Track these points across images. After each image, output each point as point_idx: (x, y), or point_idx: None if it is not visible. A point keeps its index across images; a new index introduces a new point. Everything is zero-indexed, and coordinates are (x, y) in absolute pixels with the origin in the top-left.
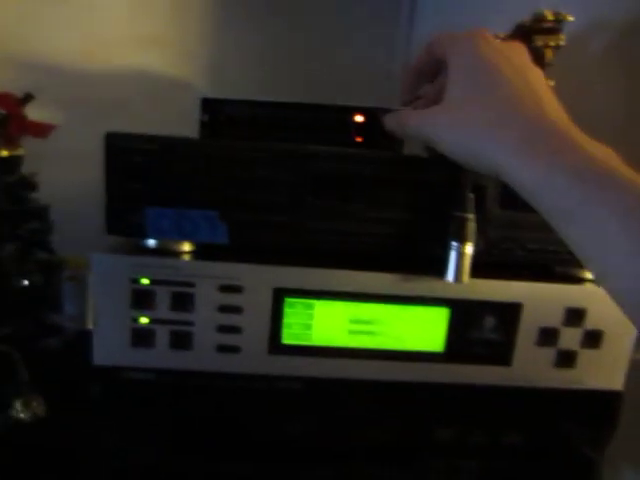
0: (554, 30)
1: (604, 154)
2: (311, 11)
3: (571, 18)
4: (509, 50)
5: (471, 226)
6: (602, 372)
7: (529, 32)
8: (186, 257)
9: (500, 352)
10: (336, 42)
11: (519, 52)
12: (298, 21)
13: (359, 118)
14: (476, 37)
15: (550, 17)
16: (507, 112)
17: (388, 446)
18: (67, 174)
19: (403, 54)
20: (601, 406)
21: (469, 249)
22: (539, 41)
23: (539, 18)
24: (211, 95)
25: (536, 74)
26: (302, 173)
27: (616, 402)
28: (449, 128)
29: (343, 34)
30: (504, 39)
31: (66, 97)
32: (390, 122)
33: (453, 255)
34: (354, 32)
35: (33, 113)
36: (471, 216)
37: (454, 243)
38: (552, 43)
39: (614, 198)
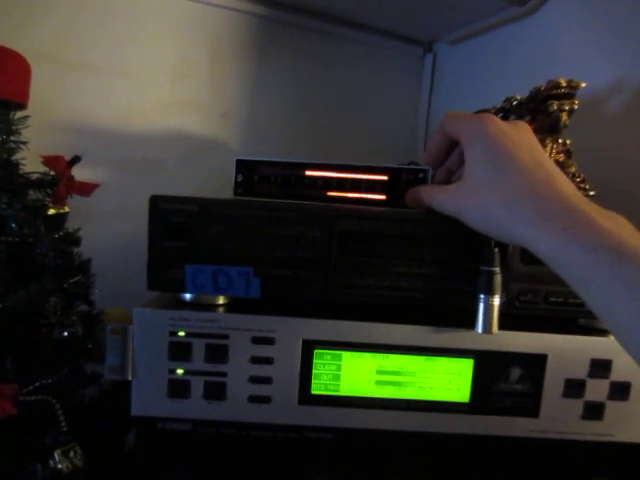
0: (568, 95)
1: (615, 224)
2: (341, 78)
3: (584, 84)
4: (516, 132)
5: (498, 279)
6: (632, 424)
7: (545, 98)
8: (220, 310)
9: (526, 403)
10: (364, 106)
11: (525, 132)
12: (328, 86)
13: (383, 177)
14: (485, 122)
15: (564, 84)
16: (522, 190)
17: None
18: (104, 228)
19: (424, 119)
20: (633, 460)
21: (497, 301)
22: (554, 105)
23: (554, 85)
24: (246, 153)
25: (542, 152)
26: (330, 231)
27: None
28: (470, 207)
29: (371, 100)
30: (519, 106)
31: (109, 157)
32: (417, 196)
33: (482, 307)
34: (381, 99)
35: (77, 172)
36: (498, 270)
37: (482, 296)
38: (567, 107)
39: (622, 270)
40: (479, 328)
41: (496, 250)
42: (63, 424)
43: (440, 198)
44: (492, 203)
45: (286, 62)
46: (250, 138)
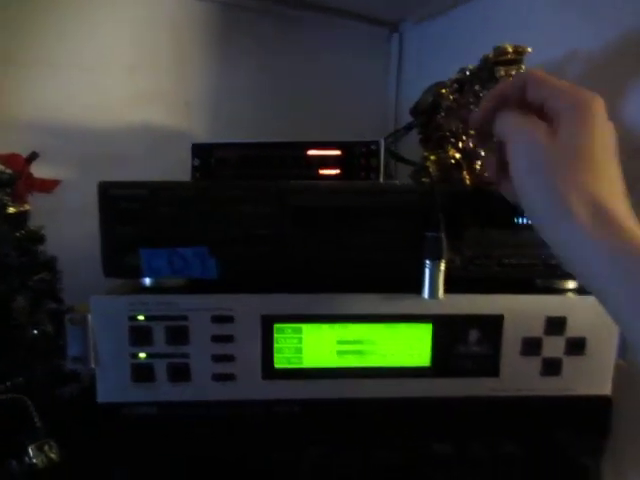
0: (515, 61)
1: None
2: (306, 62)
3: (529, 50)
4: (608, 133)
5: (443, 245)
6: (588, 378)
7: (493, 64)
8: (178, 292)
9: (486, 364)
10: (332, 90)
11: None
12: (293, 71)
13: (337, 152)
14: (591, 111)
15: (510, 50)
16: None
17: (390, 464)
18: (72, 226)
19: (393, 99)
20: (591, 411)
21: (442, 266)
22: (501, 72)
23: (500, 51)
24: (210, 142)
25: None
26: (282, 207)
27: (606, 407)
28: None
29: (338, 82)
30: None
31: (71, 154)
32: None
33: (427, 273)
34: (348, 81)
35: (38, 170)
36: (442, 235)
37: (427, 261)
38: (513, 72)
39: None
40: (425, 294)
41: (440, 215)
42: (36, 420)
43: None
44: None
45: (249, 48)
46: (216, 126)
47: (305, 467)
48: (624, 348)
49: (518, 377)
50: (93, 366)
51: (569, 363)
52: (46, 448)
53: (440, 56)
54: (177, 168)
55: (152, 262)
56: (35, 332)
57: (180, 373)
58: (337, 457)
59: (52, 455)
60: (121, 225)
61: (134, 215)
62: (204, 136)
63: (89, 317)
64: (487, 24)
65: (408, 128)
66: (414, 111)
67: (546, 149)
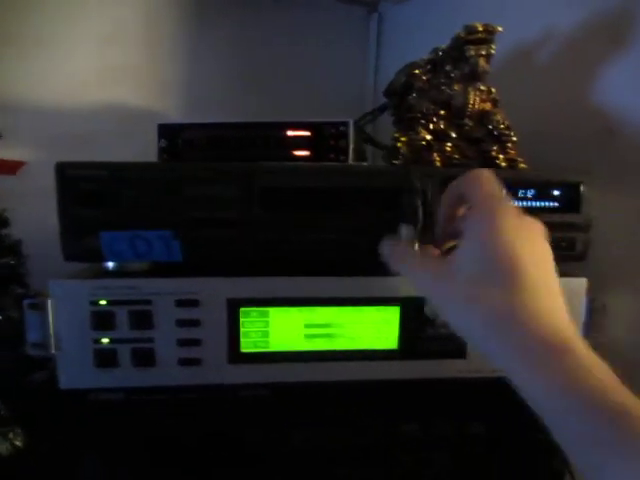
0: (485, 40)
1: (609, 377)
2: (284, 42)
3: (500, 29)
4: (528, 235)
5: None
6: None
7: (463, 43)
8: (142, 276)
9: (454, 346)
10: (310, 70)
11: (538, 238)
12: (271, 51)
13: (306, 133)
14: (498, 215)
15: (480, 28)
16: (514, 314)
17: (358, 445)
18: (39, 209)
19: (372, 81)
20: None
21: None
22: (472, 51)
23: (471, 30)
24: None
25: (552, 269)
26: (248, 188)
27: None
28: (448, 302)
29: (316, 63)
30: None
31: (36, 134)
32: (387, 254)
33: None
34: (326, 62)
35: (2, 152)
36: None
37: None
38: (483, 52)
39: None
40: None
41: (418, 203)
42: (1, 407)
43: (413, 271)
44: (476, 309)
45: (225, 26)
46: (189, 106)
47: (273, 450)
48: (588, 328)
49: (485, 359)
50: (53, 352)
51: None
52: (11, 436)
53: (419, 36)
54: (150, 150)
55: (113, 246)
56: (0, 318)
57: (145, 358)
58: (305, 440)
59: (17, 443)
60: (80, 207)
61: (93, 197)
62: (177, 116)
63: (48, 302)
64: (466, 4)
65: (382, 109)
66: (387, 92)
67: (444, 284)
